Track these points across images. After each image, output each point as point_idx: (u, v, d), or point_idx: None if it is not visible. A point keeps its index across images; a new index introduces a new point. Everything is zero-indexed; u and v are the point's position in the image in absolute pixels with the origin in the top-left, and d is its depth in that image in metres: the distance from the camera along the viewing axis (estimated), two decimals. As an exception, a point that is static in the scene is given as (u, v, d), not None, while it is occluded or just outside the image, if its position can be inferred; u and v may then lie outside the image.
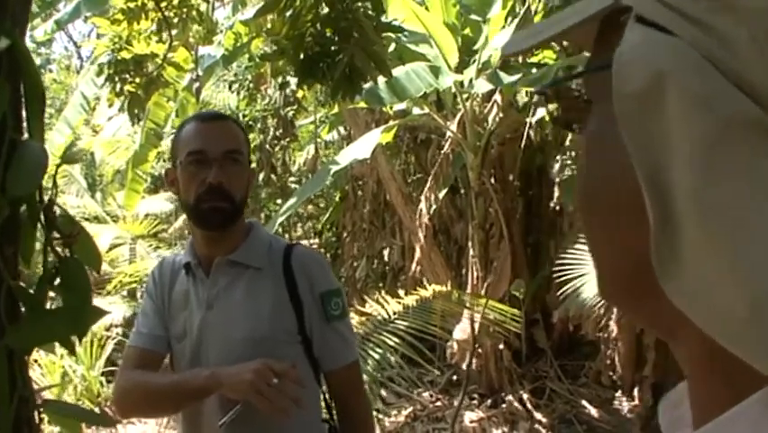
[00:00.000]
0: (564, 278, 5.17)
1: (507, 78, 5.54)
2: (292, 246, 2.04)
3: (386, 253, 8.41)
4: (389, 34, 3.55)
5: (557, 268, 5.19)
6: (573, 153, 6.31)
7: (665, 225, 0.45)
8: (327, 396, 2.06)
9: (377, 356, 4.45)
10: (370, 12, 3.26)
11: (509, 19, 5.77)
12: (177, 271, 2.06)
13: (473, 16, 6.01)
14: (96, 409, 6.59)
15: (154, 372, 2.00)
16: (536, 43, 0.57)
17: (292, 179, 10.64)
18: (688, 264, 0.44)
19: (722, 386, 0.49)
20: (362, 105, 5.76)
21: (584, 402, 6.13)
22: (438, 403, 6.38)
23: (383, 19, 3.35)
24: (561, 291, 5.36)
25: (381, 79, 4.35)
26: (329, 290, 2.00)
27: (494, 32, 5.73)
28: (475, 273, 6.07)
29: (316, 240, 10.37)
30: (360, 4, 3.18)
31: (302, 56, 3.07)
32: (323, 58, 3.06)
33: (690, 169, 0.43)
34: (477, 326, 5.46)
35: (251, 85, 8.99)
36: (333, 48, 3.08)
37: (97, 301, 6.34)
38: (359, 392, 2.08)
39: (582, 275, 5.14)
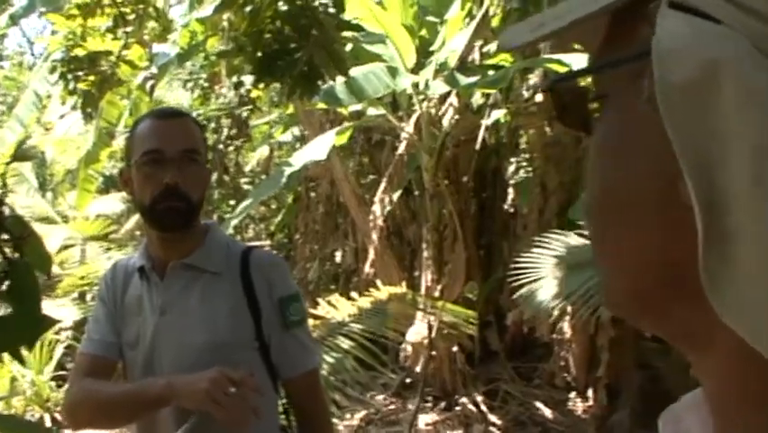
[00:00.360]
0: (521, 281, 5.16)
1: (464, 80, 5.53)
2: (250, 249, 1.99)
3: (338, 255, 8.38)
4: (347, 34, 3.52)
5: (513, 270, 5.18)
6: (528, 156, 6.33)
7: (716, 233, 0.41)
8: (285, 403, 2.01)
9: (331, 360, 4.41)
10: (330, 9, 3.22)
11: (467, 21, 5.76)
12: (130, 274, 1.99)
13: (430, 17, 6.01)
14: (47, 416, 6.46)
15: (106, 380, 1.93)
16: (541, 36, 0.53)
17: (245, 179, 10.55)
18: (741, 278, 0.40)
19: (753, 408, 0.46)
20: (319, 105, 5.71)
21: (538, 404, 6.15)
22: (392, 406, 6.35)
23: (342, 17, 3.31)
24: (516, 294, 5.36)
25: (339, 80, 4.32)
26: (288, 294, 1.95)
27: (451, 33, 5.73)
28: (429, 275, 6.05)
29: (268, 242, 10.29)
30: (319, 1, 3.15)
31: (260, 53, 3.02)
32: (281, 55, 3.02)
33: (747, 173, 0.39)
34: (431, 328, 5.45)
35: (206, 84, 8.90)
36: (292, 45, 3.03)
37: (47, 304, 6.21)
38: (318, 400, 2.04)
39: (540, 278, 5.14)
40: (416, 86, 5.71)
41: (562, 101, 0.56)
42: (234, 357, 1.81)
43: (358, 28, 3.41)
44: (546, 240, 5.10)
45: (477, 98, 6.53)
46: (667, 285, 0.48)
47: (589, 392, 5.92)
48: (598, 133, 0.52)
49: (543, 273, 5.00)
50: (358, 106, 6.11)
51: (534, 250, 5.12)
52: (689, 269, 0.44)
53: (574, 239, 5.06)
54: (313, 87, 3.33)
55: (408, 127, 6.01)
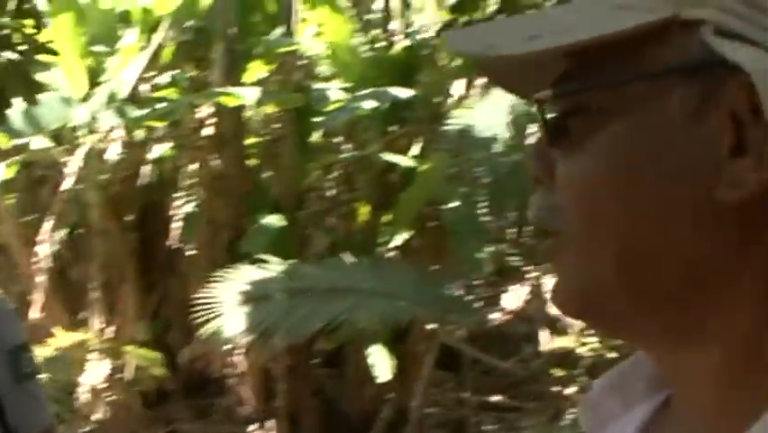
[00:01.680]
0: (201, 318, 5.11)
1: (134, 113, 5.39)
2: None
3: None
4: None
5: (194, 307, 5.10)
6: (194, 190, 6.29)
7: None
8: None
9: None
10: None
11: (141, 51, 5.63)
12: None
13: (99, 47, 5.76)
14: None
15: None
16: (538, 51, 0.56)
17: None
18: None
19: (738, 388, 0.55)
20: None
21: (221, 440, 6.11)
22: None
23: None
24: (197, 332, 5.30)
25: (16, 110, 4.00)
26: (19, 344, 1.78)
27: (124, 63, 5.55)
28: (99, 317, 5.76)
29: None
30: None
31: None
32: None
33: None
34: (107, 372, 5.21)
35: None
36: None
37: None
38: None
39: (217, 316, 5.12)
40: (87, 119, 5.44)
41: (543, 110, 0.59)
42: None
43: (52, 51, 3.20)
44: (226, 274, 5.12)
45: (139, 132, 6.35)
46: (679, 285, 0.55)
47: (269, 423, 6.00)
48: (600, 148, 0.56)
49: (225, 309, 5.01)
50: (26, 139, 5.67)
51: (215, 285, 5.11)
52: (708, 269, 0.53)
53: (256, 272, 5.14)
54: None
55: (75, 161, 5.68)
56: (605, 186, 0.56)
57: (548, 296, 8.64)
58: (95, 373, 5.38)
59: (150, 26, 5.75)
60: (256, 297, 4.96)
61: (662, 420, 0.65)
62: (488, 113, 6.11)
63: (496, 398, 7.26)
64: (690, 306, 0.55)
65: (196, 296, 5.25)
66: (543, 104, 0.58)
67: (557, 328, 7.20)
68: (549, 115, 0.59)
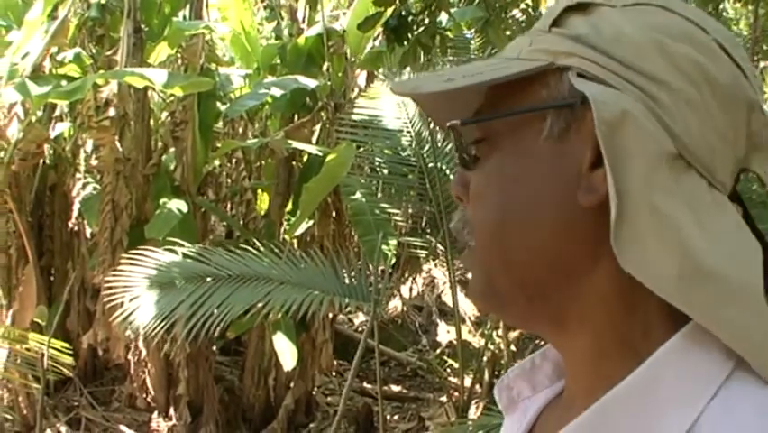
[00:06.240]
0: (108, 304, 5.07)
1: (36, 90, 5.31)
2: None
3: None
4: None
5: (105, 291, 5.06)
6: (96, 172, 6.23)
7: (622, 214, 0.66)
8: None
9: None
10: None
11: (45, 25, 5.52)
12: None
13: (-2, 20, 5.64)
14: None
15: None
16: (451, 89, 0.73)
17: None
18: (637, 242, 0.66)
19: (611, 362, 0.71)
20: None
21: (123, 427, 6.08)
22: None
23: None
24: (98, 317, 5.26)
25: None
26: None
27: (27, 38, 5.44)
28: (-2, 301, 5.65)
29: None
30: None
31: None
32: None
33: (642, 179, 0.66)
34: (3, 357, 5.10)
35: None
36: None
37: None
38: None
39: (134, 298, 5.08)
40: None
41: (459, 140, 0.76)
42: None
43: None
44: (137, 258, 5.09)
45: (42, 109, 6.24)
46: (553, 277, 0.72)
47: (171, 411, 6.02)
48: (496, 165, 0.75)
49: (137, 293, 4.99)
50: None
51: (125, 268, 5.08)
52: (573, 262, 0.71)
53: (167, 256, 5.14)
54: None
55: (-27, 139, 5.55)
56: (490, 198, 0.75)
57: (443, 287, 8.95)
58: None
59: (55, 1, 5.66)
60: (163, 283, 4.96)
61: (558, 402, 0.84)
62: (393, 104, 6.27)
63: (396, 388, 7.48)
64: (558, 296, 0.73)
65: (106, 280, 5.19)
66: (457, 132, 0.75)
67: (453, 319, 7.44)
68: (462, 142, 0.77)
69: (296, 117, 6.85)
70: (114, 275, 5.13)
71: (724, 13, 9.51)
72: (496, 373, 6.62)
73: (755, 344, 0.66)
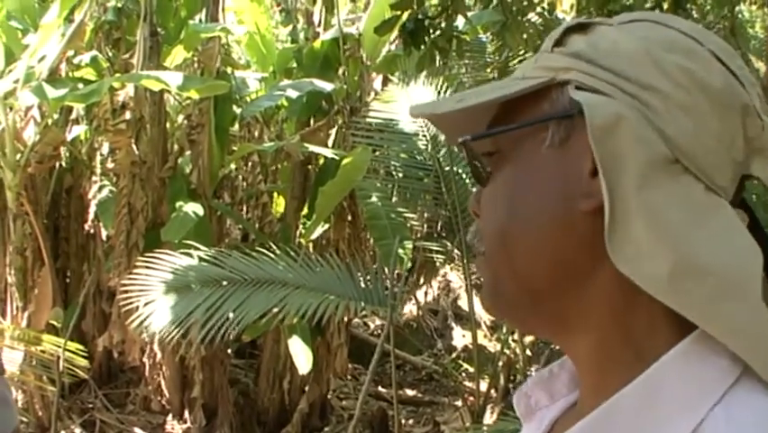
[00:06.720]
0: (132, 304, 5.07)
1: (53, 92, 5.33)
2: None
3: None
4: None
5: (122, 294, 5.07)
6: (113, 175, 6.25)
7: (615, 215, 0.68)
8: None
9: None
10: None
11: (61, 28, 5.54)
12: None
13: (14, 23, 5.65)
14: None
15: None
16: (462, 108, 0.78)
17: None
18: (630, 242, 0.68)
19: (619, 365, 0.72)
20: None
21: (137, 430, 6.09)
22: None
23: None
24: (114, 320, 5.27)
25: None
26: None
27: (43, 41, 5.46)
28: (14, 303, 5.66)
29: None
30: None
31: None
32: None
33: (634, 181, 0.68)
34: (19, 359, 5.13)
35: None
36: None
37: None
38: None
39: (142, 305, 5.08)
40: (4, 97, 5.33)
41: (472, 156, 0.79)
42: None
43: None
44: (153, 261, 5.09)
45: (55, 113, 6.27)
46: (557, 280, 0.74)
47: (186, 414, 6.03)
48: (503, 176, 0.78)
49: (153, 297, 4.99)
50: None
51: (142, 271, 5.08)
52: (576, 265, 0.73)
53: (178, 260, 5.14)
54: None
55: (-9, 141, 5.57)
56: (497, 206, 0.79)
57: (459, 291, 8.93)
58: (8, 360, 5.28)
59: (72, 4, 5.68)
60: (179, 287, 4.96)
61: (572, 410, 0.84)
62: (408, 108, 6.23)
63: (411, 392, 7.46)
64: (563, 299, 0.75)
65: (123, 283, 5.20)
66: (469, 149, 0.78)
67: (468, 324, 7.42)
68: (475, 155, 0.79)
69: (311, 121, 6.85)
70: (130, 278, 5.14)
71: (740, 15, 9.45)
72: (511, 377, 6.61)
73: (752, 342, 0.66)
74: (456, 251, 5.86)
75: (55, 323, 5.68)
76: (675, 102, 0.70)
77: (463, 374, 7.36)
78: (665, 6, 4.20)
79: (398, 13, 4.14)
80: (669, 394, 0.67)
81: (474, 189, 0.84)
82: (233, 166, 7.03)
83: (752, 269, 0.68)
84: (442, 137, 6.00)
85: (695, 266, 0.66)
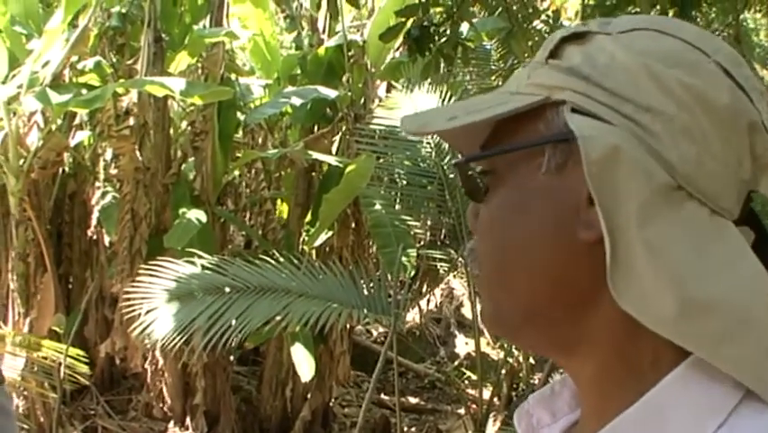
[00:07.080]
0: (128, 314, 5.05)
1: (57, 98, 5.32)
2: None
3: None
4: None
5: (125, 300, 5.05)
6: (116, 181, 6.23)
7: (617, 254, 0.65)
8: None
9: None
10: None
11: (65, 34, 5.54)
12: None
13: (18, 28, 5.65)
14: None
15: None
16: (456, 126, 0.74)
17: None
18: (633, 282, 0.65)
19: (620, 387, 0.70)
20: None
21: (137, 437, 6.07)
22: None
23: None
24: (116, 327, 5.25)
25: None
26: None
27: (47, 46, 5.45)
28: (16, 308, 5.65)
29: None
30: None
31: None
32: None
33: (635, 216, 0.65)
34: (21, 365, 5.11)
35: None
36: None
37: None
38: None
39: (153, 309, 5.06)
40: (7, 102, 5.33)
41: (466, 175, 0.77)
42: None
43: None
44: (156, 269, 5.08)
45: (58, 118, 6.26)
46: (556, 307, 0.72)
47: (188, 421, 6.01)
48: (498, 199, 0.75)
49: (155, 304, 4.98)
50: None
51: (145, 279, 5.07)
52: (577, 293, 0.70)
53: (186, 267, 5.12)
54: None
55: (-6, 147, 5.56)
56: (493, 231, 0.76)
57: (462, 299, 8.91)
58: (10, 366, 5.27)
59: (76, 9, 5.68)
60: (182, 295, 4.94)
61: (574, 430, 0.82)
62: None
63: (413, 400, 7.44)
64: (563, 325, 0.73)
65: (125, 289, 5.19)
66: (462, 168, 0.77)
67: (471, 331, 7.41)
68: (469, 174, 0.78)
69: (315, 128, 6.84)
70: (132, 285, 5.13)
71: (744, 24, 9.45)
72: (514, 385, 6.59)
73: (757, 372, 0.65)
74: (459, 259, 5.85)
75: (57, 329, 5.68)
76: (677, 125, 0.67)
77: (466, 382, 7.33)
78: (670, 15, 4.18)
79: (403, 19, 4.13)
80: (671, 418, 0.66)
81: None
82: (236, 173, 7.02)
83: (757, 299, 0.66)
84: (446, 145, 6.00)
85: (701, 304, 0.64)
